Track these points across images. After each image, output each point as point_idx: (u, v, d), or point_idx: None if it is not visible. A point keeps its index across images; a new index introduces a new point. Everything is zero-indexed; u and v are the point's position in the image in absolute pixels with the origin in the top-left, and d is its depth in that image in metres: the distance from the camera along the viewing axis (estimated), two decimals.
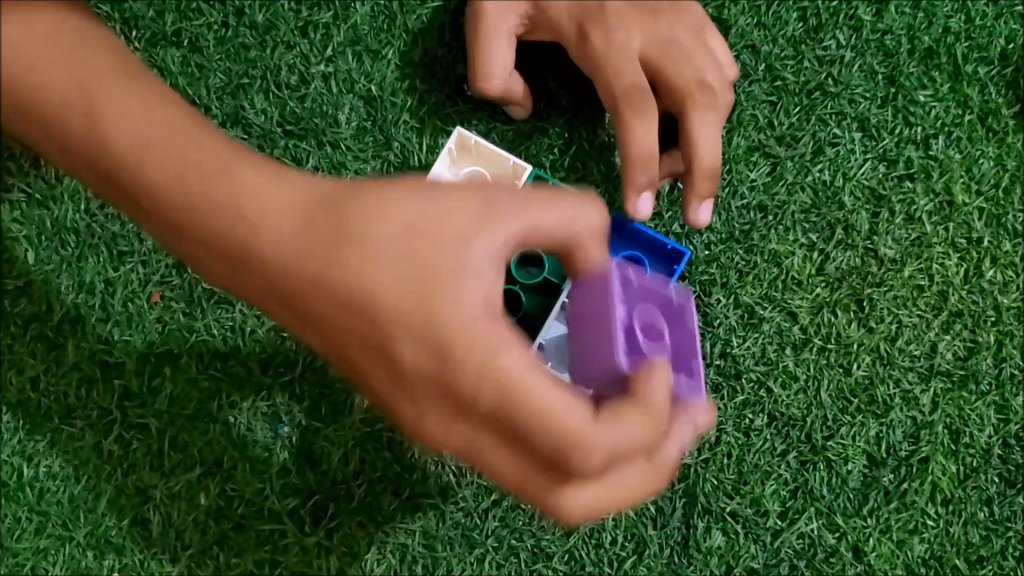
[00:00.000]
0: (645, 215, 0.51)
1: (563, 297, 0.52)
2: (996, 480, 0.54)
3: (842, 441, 0.54)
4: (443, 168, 0.53)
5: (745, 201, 0.57)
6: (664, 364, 0.38)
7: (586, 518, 0.37)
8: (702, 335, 0.55)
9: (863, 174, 0.57)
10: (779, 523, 0.54)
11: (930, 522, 0.54)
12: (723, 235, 0.56)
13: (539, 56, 0.56)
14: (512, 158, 0.52)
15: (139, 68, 0.43)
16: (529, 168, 0.52)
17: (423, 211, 0.37)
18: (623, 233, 0.54)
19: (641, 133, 0.50)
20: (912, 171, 0.57)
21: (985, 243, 0.56)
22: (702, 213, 0.52)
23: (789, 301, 0.56)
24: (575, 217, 0.39)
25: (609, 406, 0.37)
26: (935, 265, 0.56)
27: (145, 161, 0.39)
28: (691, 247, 0.56)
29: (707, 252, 0.56)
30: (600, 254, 0.40)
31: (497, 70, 0.54)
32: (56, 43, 0.41)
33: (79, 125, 0.40)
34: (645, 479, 0.38)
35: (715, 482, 0.54)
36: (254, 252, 0.37)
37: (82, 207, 0.57)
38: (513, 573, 0.53)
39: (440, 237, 0.37)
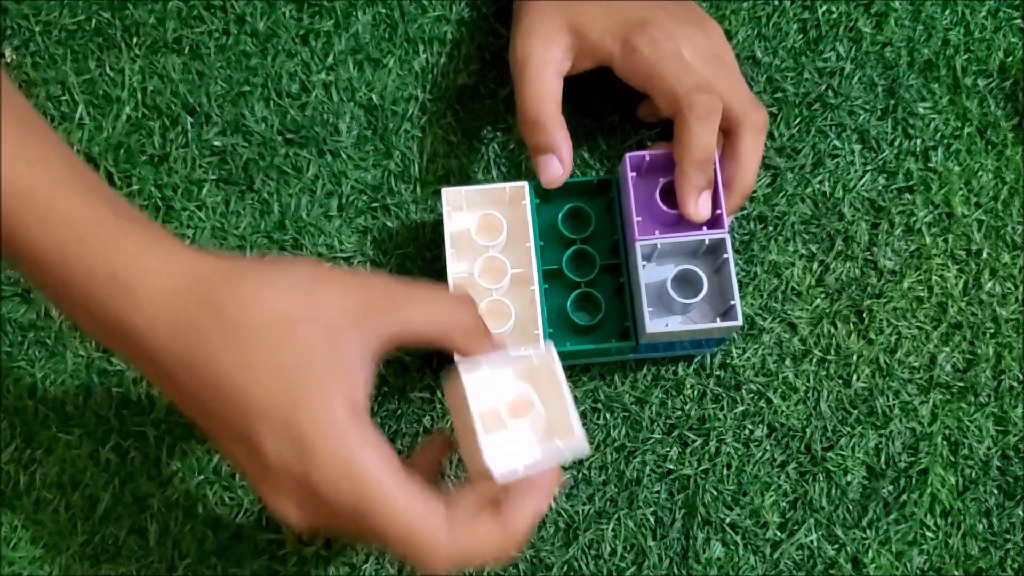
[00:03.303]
0: (705, 216, 0.50)
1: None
2: (995, 492, 0.54)
3: (841, 452, 0.54)
4: (455, 226, 0.52)
5: (745, 212, 0.57)
6: (538, 493, 0.41)
7: None
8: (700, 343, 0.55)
9: (863, 186, 0.57)
10: (779, 534, 0.54)
11: (929, 534, 0.54)
12: None
13: None
14: (506, 185, 0.52)
15: (33, 117, 0.41)
16: (525, 184, 0.52)
17: (299, 304, 0.38)
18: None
19: (705, 138, 0.49)
20: (911, 183, 0.57)
21: (984, 255, 0.57)
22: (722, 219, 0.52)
23: (789, 312, 0.56)
24: (447, 319, 0.41)
25: (466, 513, 0.39)
26: (934, 277, 0.56)
27: (24, 215, 0.38)
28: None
29: None
30: (471, 348, 0.42)
31: (549, 97, 0.52)
32: None
33: None
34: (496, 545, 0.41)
35: (715, 493, 0.54)
36: (131, 327, 0.38)
37: None
38: None
39: (311, 333, 0.38)
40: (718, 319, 0.51)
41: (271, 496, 0.39)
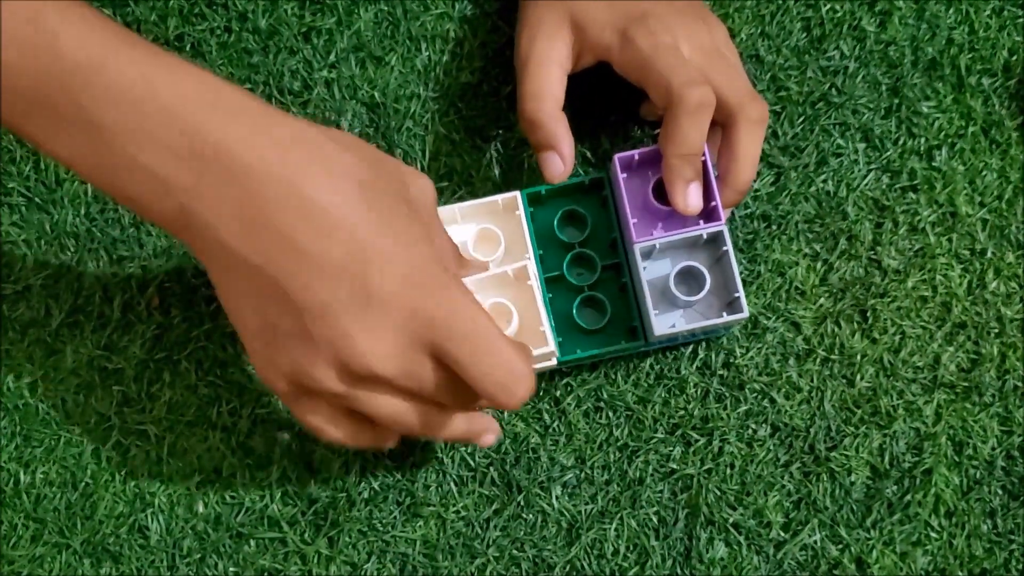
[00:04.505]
0: (696, 207, 0.50)
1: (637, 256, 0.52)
2: (999, 492, 0.54)
3: (845, 452, 0.54)
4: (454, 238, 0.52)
5: (749, 211, 0.57)
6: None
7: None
8: (707, 342, 0.55)
9: (867, 185, 0.57)
10: (782, 534, 0.53)
11: (933, 534, 0.54)
12: None
13: None
14: (497, 197, 0.52)
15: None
16: (517, 193, 0.52)
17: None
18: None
19: (693, 132, 0.48)
20: (915, 182, 0.57)
21: (988, 255, 0.56)
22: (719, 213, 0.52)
23: (793, 311, 0.56)
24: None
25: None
26: (938, 276, 0.56)
27: (103, 63, 0.38)
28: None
29: None
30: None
31: (549, 95, 0.51)
32: None
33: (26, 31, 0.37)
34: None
35: (718, 493, 0.54)
36: (227, 154, 0.38)
37: (82, 212, 0.57)
38: None
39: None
40: (724, 313, 0.51)
41: (359, 331, 0.39)
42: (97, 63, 0.38)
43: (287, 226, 0.39)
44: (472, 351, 0.40)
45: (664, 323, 0.52)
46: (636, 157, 0.51)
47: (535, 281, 0.49)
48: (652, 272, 0.52)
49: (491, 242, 0.52)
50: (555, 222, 0.53)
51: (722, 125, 0.51)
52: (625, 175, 0.51)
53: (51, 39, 0.37)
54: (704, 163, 0.50)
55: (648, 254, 0.52)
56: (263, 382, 0.44)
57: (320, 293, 0.39)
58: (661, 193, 0.51)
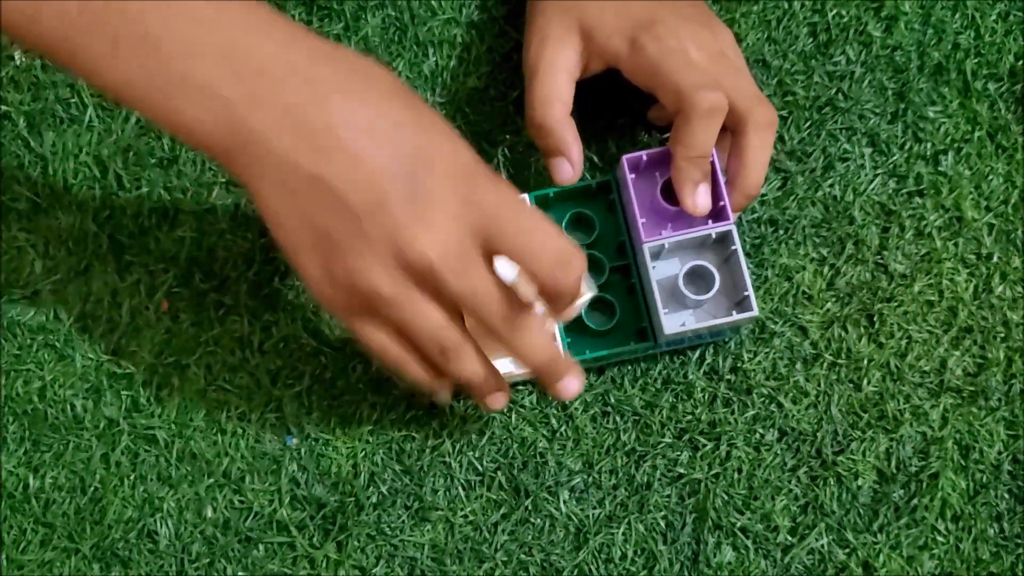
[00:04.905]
0: (706, 208, 0.50)
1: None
2: (1006, 496, 0.54)
3: (852, 456, 0.54)
4: None
5: (756, 215, 0.57)
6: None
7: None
8: (714, 347, 0.55)
9: (873, 189, 0.57)
10: (789, 538, 0.53)
11: (940, 538, 0.54)
12: None
13: None
14: None
15: None
16: (525, 196, 0.52)
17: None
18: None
19: (704, 135, 0.49)
20: (922, 187, 0.57)
21: (995, 259, 0.57)
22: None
23: (800, 316, 0.56)
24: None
25: None
26: (945, 281, 0.56)
27: None
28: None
29: None
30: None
31: (557, 101, 0.52)
32: None
33: None
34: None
35: (725, 497, 0.54)
36: (285, 69, 0.40)
37: (90, 216, 0.57)
38: None
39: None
40: (734, 311, 0.51)
41: (413, 224, 0.41)
42: None
43: (337, 130, 0.40)
44: (526, 230, 0.42)
45: (674, 322, 0.52)
46: (644, 158, 0.51)
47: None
48: (661, 272, 0.53)
49: None
50: (563, 225, 0.54)
51: (731, 130, 0.51)
52: (633, 176, 0.52)
53: None
54: (712, 164, 0.50)
55: (657, 254, 0.52)
56: (321, 303, 0.44)
57: (373, 191, 0.40)
58: (669, 193, 0.51)
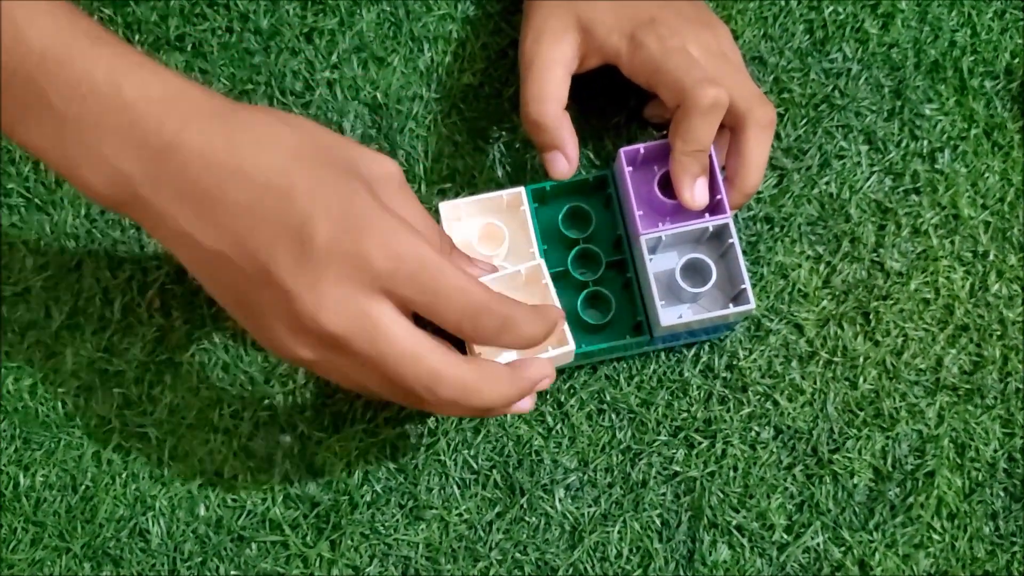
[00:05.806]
0: (703, 202, 0.50)
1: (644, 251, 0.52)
2: (1001, 494, 0.54)
3: (848, 454, 0.54)
4: (456, 237, 0.52)
5: (752, 213, 0.57)
6: (540, 361, 0.46)
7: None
8: (710, 345, 0.55)
9: (869, 187, 0.57)
10: (785, 537, 0.53)
11: (936, 536, 0.54)
12: None
13: None
14: (502, 192, 0.52)
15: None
16: (522, 190, 0.52)
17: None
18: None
19: (704, 130, 0.48)
20: (918, 184, 0.57)
21: (991, 257, 0.57)
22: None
23: (795, 313, 0.56)
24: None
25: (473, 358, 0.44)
26: (941, 279, 0.56)
27: (69, 57, 0.40)
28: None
29: None
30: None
31: (553, 97, 0.52)
32: None
33: None
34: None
35: (721, 495, 0.54)
36: (182, 146, 0.40)
37: (82, 213, 0.57)
38: None
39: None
40: (730, 304, 0.50)
41: (305, 292, 0.39)
42: (64, 57, 0.39)
43: (228, 200, 0.40)
44: (424, 288, 0.40)
45: (671, 314, 0.51)
46: (641, 151, 0.51)
47: (549, 280, 0.49)
48: (658, 265, 0.52)
49: (495, 238, 0.52)
50: (560, 219, 0.53)
51: (730, 128, 0.51)
52: (631, 169, 0.51)
53: (17, 32, 0.39)
54: (710, 158, 0.50)
55: (654, 247, 0.52)
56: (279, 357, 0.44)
57: (262, 255, 0.40)
58: (666, 187, 0.51)
